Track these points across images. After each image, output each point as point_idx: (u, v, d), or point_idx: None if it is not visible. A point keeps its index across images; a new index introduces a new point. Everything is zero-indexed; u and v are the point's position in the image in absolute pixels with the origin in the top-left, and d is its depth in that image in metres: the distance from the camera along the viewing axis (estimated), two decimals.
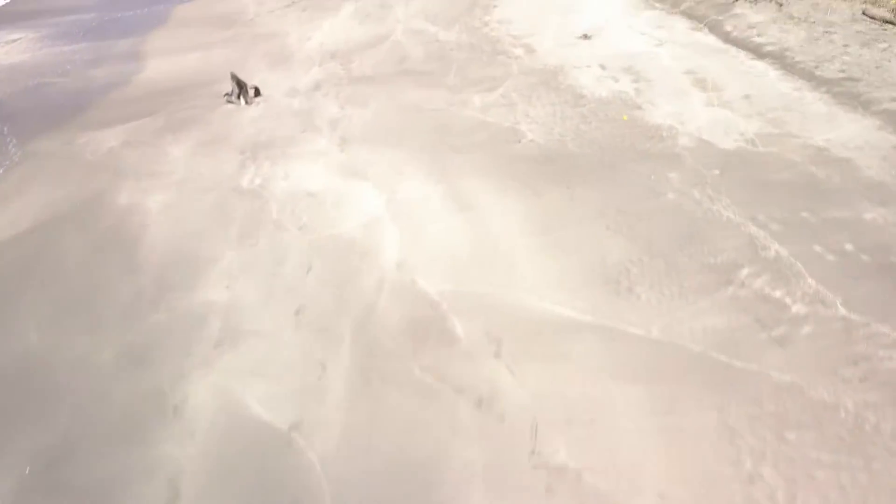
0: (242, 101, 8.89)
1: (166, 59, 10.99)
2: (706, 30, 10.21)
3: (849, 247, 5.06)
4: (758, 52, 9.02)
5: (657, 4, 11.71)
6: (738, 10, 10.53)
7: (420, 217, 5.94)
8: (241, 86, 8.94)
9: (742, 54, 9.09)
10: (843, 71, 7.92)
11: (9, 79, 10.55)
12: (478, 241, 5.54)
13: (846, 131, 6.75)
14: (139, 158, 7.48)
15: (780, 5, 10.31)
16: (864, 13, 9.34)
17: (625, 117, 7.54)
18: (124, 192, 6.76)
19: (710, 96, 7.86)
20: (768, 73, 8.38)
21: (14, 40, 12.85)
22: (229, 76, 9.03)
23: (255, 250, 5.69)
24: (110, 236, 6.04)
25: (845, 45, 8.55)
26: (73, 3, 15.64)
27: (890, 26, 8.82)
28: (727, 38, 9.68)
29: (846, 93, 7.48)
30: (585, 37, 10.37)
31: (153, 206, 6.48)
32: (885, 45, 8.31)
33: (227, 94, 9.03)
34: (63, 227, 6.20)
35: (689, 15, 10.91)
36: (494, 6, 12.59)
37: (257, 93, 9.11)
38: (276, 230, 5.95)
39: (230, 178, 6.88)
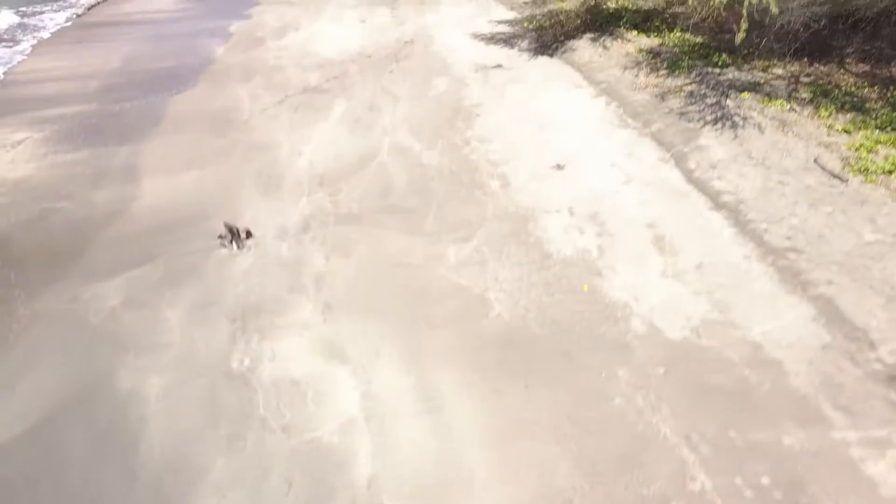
0: (235, 245, 9.53)
1: (163, 178, 11.60)
2: (672, 163, 10.85)
3: (766, 480, 5.73)
4: (716, 200, 9.66)
5: (630, 122, 12.34)
6: (703, 139, 11.18)
7: (392, 419, 6.60)
8: (233, 232, 9.58)
9: (702, 201, 9.73)
10: (789, 238, 8.57)
11: (14, 203, 11.16)
12: (442, 453, 6.20)
13: (784, 321, 7.41)
14: (138, 324, 8.12)
15: (743, 138, 10.95)
16: (815, 161, 9.98)
17: (585, 287, 8.20)
18: (124, 372, 7.41)
19: (666, 262, 8.52)
20: (723, 231, 9.03)
21: (20, 142, 13.45)
22: (224, 207, 9.69)
23: (244, 456, 6.35)
24: (112, 432, 6.69)
25: (795, 203, 9.21)
26: (72, 88, 16.21)
27: (837, 182, 9.47)
28: (690, 178, 10.32)
29: (789, 268, 8.13)
30: (558, 167, 11.01)
31: (152, 392, 7.12)
32: (829, 209, 8.96)
33: (220, 237, 9.67)
34: (68, 421, 6.85)
35: (658, 139, 11.55)
36: (477, 115, 13.22)
37: (248, 235, 9.75)
38: (262, 429, 6.60)
39: (222, 357, 7.53)
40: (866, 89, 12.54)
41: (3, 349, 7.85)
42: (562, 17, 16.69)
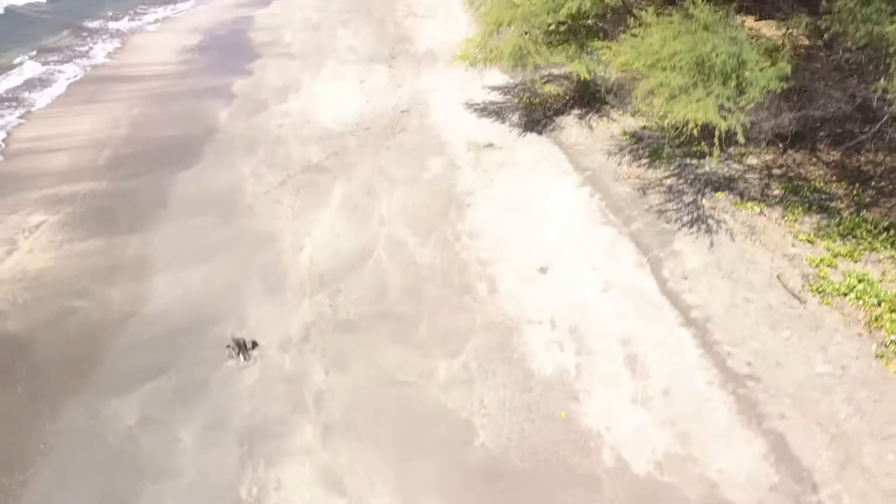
0: (242, 357, 10.31)
1: (172, 274, 12.36)
2: (648, 268, 11.63)
3: None
4: (686, 315, 10.45)
5: (612, 217, 13.12)
6: (678, 243, 11.96)
7: None
8: (240, 345, 10.36)
9: (673, 316, 10.52)
10: (749, 364, 9.37)
11: (36, 300, 11.93)
12: None
13: (738, 457, 8.21)
14: (154, 446, 8.90)
15: (715, 244, 11.73)
16: (778, 277, 10.78)
17: (563, 414, 8.99)
18: (143, 500, 8.19)
19: (636, 387, 9.31)
20: (690, 352, 9.82)
21: (37, 226, 14.21)
22: (231, 310, 10.50)
23: None
24: None
25: (757, 324, 10.00)
26: (84, 159, 16.96)
27: (796, 303, 10.26)
28: (664, 288, 11.11)
29: (747, 397, 8.93)
30: (542, 270, 11.80)
31: None
32: (787, 333, 9.75)
33: (228, 347, 10.44)
34: None
35: (637, 240, 12.33)
36: (468, 205, 13.98)
37: (254, 345, 10.53)
38: None
39: (232, 485, 8.31)
40: (834, 184, 13.32)
41: (34, 474, 8.63)
42: (549, 98, 17.44)
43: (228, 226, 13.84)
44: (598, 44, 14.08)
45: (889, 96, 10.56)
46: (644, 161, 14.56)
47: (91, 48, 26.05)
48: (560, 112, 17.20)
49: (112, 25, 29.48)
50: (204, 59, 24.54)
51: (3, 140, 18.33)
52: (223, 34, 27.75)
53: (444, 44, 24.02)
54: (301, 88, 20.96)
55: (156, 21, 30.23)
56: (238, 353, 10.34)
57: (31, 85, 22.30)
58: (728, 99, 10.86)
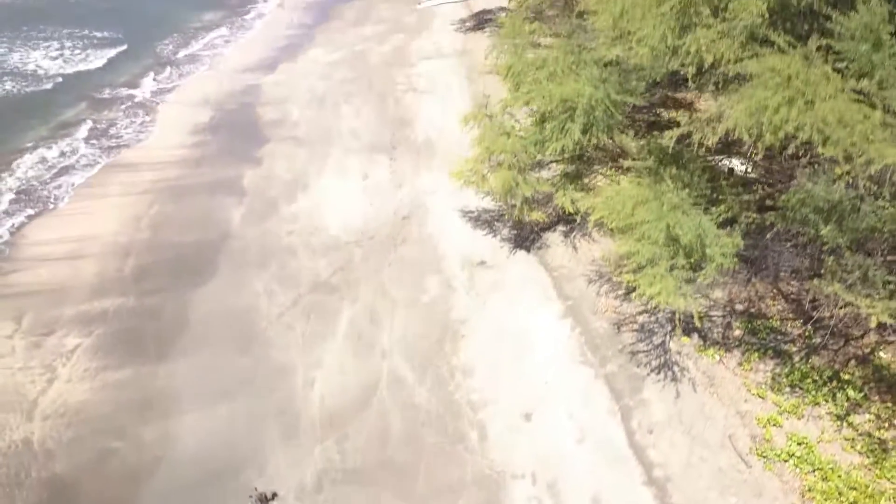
0: None
1: (198, 413, 13.89)
2: (619, 416, 13.18)
3: None
4: (649, 473, 12.01)
5: (589, 356, 14.65)
6: (646, 391, 13.52)
7: None
8: (261, 500, 11.91)
9: (637, 473, 12.07)
10: None
11: (77, 438, 13.46)
12: None
13: None
14: None
15: (679, 395, 13.28)
16: (729, 438, 12.33)
17: None
18: None
19: None
20: None
21: (72, 350, 15.72)
22: (252, 458, 12.03)
23: None
24: None
25: (708, 487, 11.55)
26: (110, 269, 18.44)
27: (743, 467, 11.81)
28: (631, 441, 12.66)
29: None
30: (527, 417, 13.35)
31: None
32: (734, 500, 11.31)
33: (251, 498, 11.98)
34: None
35: (610, 385, 13.87)
36: (462, 335, 15.51)
37: (274, 496, 12.07)
38: None
39: None
40: (790, 322, 14.87)
41: None
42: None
43: (247, 355, 15.34)
44: (577, 194, 15.62)
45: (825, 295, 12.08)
46: (620, 292, 16.08)
47: (108, 127, 27.41)
48: (547, 228, 18.71)
49: (125, 93, 30.79)
50: (216, 142, 25.90)
51: (27, 243, 19.81)
52: (233, 109, 29.13)
53: (442, 131, 25.61)
54: (309, 185, 22.43)
55: (169, 90, 31.56)
56: None
57: (47, 173, 23.69)
58: (688, 282, 12.38)
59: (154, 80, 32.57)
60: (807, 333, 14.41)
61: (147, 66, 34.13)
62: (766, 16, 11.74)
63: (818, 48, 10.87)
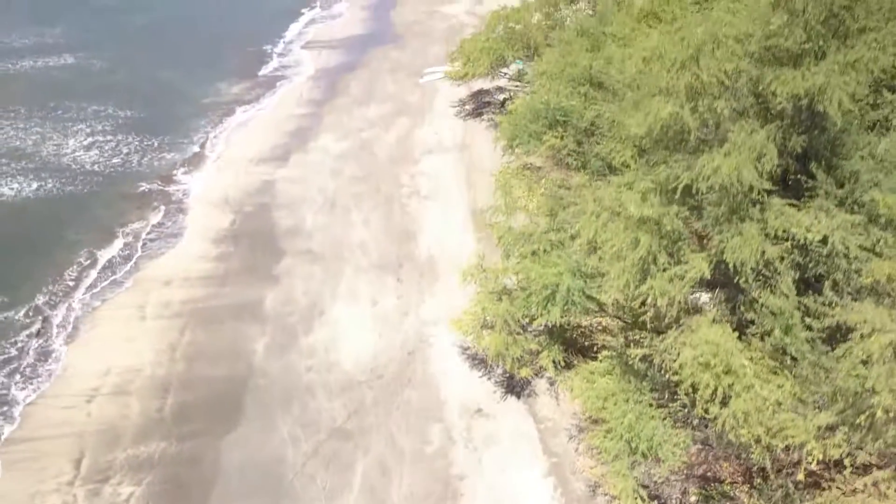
0: None
1: None
2: None
3: None
4: None
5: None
6: None
7: None
8: None
9: None
10: None
11: None
12: None
13: None
14: None
15: None
16: None
17: None
18: None
19: None
20: None
21: (126, 499, 18.25)
22: None
23: None
24: None
25: None
26: (151, 408, 20.96)
27: None
28: None
29: None
30: None
31: None
32: None
33: None
34: None
35: None
36: (462, 494, 18.09)
37: None
38: None
39: None
40: (739, 487, 17.42)
41: None
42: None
43: None
44: (559, 375, 18.16)
45: None
46: (595, 452, 18.63)
47: (140, 232, 29.82)
48: (535, 373, 21.25)
49: (154, 190, 33.21)
50: (238, 255, 28.30)
51: (73, 375, 22.29)
52: (251, 212, 31.57)
53: (443, 246, 28.16)
54: (324, 311, 24.89)
55: (193, 184, 33.81)
56: None
57: (86, 293, 26.17)
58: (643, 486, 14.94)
59: (178, 173, 35.00)
60: (752, 500, 16.98)
61: (171, 158, 36.57)
62: (707, 275, 14.24)
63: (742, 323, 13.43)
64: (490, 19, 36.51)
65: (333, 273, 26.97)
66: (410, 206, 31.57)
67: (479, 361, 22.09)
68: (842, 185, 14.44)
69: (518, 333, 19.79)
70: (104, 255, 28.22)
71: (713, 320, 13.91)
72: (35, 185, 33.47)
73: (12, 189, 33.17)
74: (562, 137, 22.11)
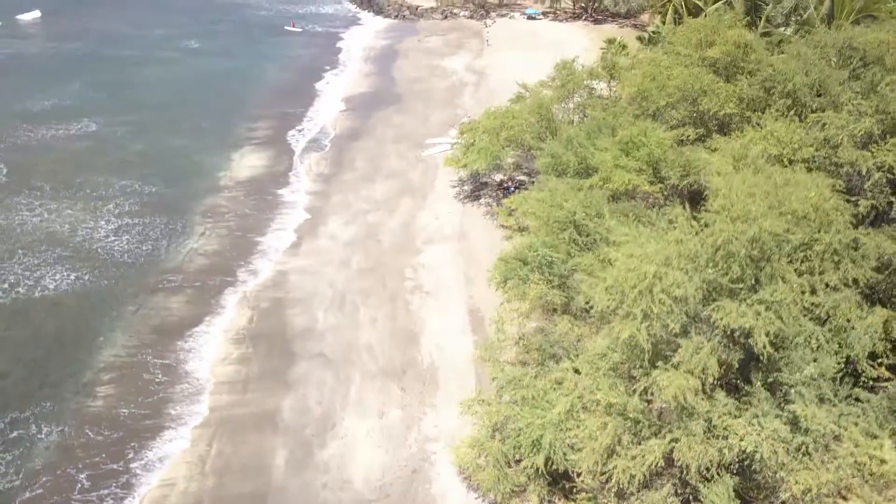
0: None
1: None
2: None
3: None
4: None
5: None
6: None
7: None
8: None
9: None
10: None
11: None
12: None
13: None
14: None
15: None
16: None
17: None
18: None
19: None
20: None
21: None
22: None
23: None
24: None
25: None
26: None
27: None
28: None
29: None
30: None
31: None
32: None
33: None
34: None
35: None
36: None
37: None
38: None
39: None
40: None
41: None
42: None
43: None
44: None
45: None
46: None
47: (170, 333, 32.66)
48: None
49: (177, 283, 35.82)
50: (256, 359, 30.99)
51: None
52: (266, 308, 34.44)
53: (443, 352, 31.04)
54: (336, 423, 27.74)
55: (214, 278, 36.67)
56: None
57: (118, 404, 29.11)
58: None
59: (196, 259, 37.81)
60: None
61: (193, 247, 39.37)
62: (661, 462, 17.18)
63: None
64: (485, 121, 39.09)
65: (344, 380, 29.81)
66: (413, 303, 34.42)
67: (474, 485, 25.04)
68: (773, 393, 17.39)
69: (509, 466, 22.76)
70: (138, 363, 31.07)
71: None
72: (73, 277, 35.57)
73: (54, 280, 35.57)
74: (548, 281, 24.93)
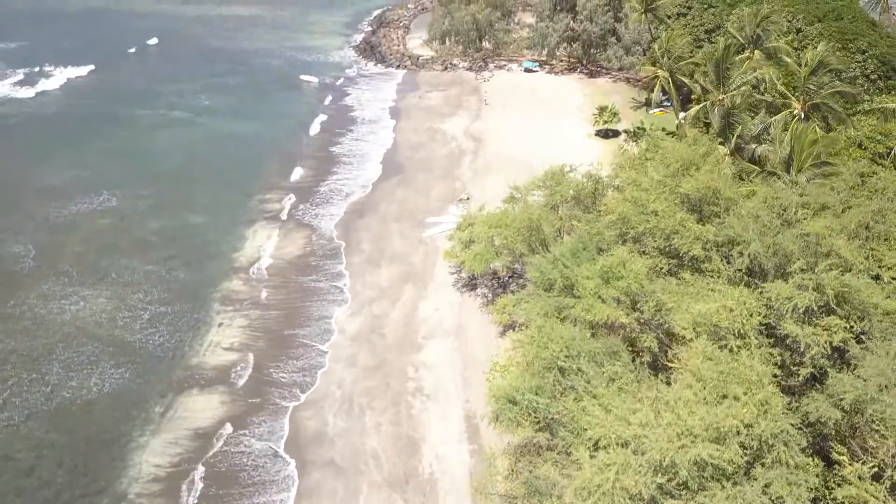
0: None
1: None
2: None
3: None
4: None
5: None
6: None
7: None
8: None
9: None
10: None
11: None
12: None
13: None
14: None
15: None
16: None
17: None
18: None
19: None
20: None
21: None
22: None
23: None
24: None
25: None
26: None
27: None
28: None
29: None
30: None
31: None
32: None
33: None
34: None
35: None
36: None
37: None
38: None
39: None
40: None
41: None
42: None
43: None
44: None
45: None
46: None
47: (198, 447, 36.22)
48: None
49: (202, 382, 39.48)
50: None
51: None
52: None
53: (442, 463, 34.51)
54: None
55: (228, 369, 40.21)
56: None
57: None
58: None
59: (213, 350, 41.24)
60: None
61: (213, 340, 42.56)
62: None
63: None
64: (481, 228, 42.49)
65: (353, 491, 33.37)
66: (415, 407, 37.79)
67: None
68: None
69: None
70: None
71: None
72: (117, 375, 38.68)
73: (91, 381, 38.63)
74: (535, 422, 28.44)
